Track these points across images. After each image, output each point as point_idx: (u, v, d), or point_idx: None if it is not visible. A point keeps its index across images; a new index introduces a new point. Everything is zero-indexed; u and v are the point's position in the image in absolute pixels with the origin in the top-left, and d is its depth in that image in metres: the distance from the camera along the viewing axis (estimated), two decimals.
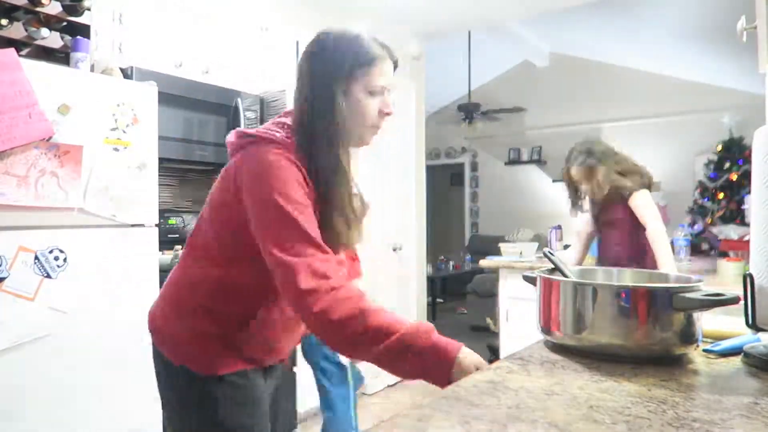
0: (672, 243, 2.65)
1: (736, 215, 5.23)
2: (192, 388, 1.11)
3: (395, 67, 1.12)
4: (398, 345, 0.90)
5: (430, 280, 4.58)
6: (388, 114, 1.11)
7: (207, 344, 1.11)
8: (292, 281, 0.94)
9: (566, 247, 3.91)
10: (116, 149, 2.00)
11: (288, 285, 0.95)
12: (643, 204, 2.48)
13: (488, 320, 5.02)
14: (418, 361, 0.90)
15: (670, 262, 2.31)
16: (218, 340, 1.11)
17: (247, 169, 1.03)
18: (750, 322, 0.86)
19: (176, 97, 2.49)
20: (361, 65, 1.05)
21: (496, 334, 3.52)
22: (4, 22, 1.96)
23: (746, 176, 5.25)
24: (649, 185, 2.56)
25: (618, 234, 2.61)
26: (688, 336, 0.90)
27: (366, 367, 3.65)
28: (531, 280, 1.10)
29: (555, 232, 3.98)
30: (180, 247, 2.45)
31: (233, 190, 1.05)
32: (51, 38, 2.10)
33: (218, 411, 1.09)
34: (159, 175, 2.17)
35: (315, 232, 0.99)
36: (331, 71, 1.05)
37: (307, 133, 1.05)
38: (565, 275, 1.08)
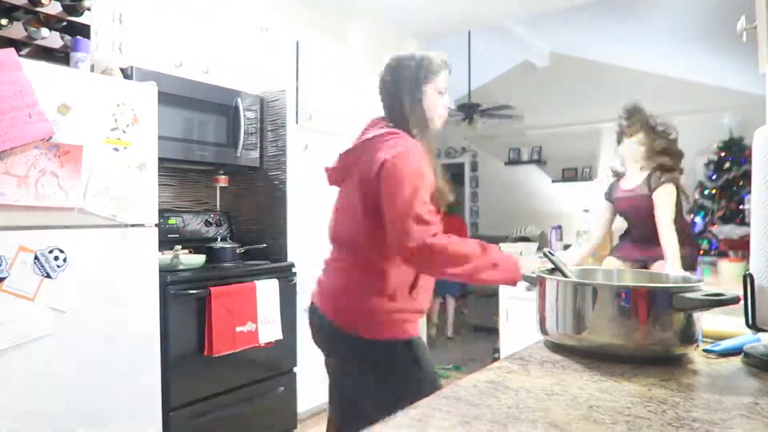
0: None
1: (736, 215, 5.23)
2: (396, 352, 1.37)
3: (449, 73, 1.51)
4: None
5: None
6: (449, 108, 1.53)
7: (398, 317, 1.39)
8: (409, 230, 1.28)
9: (566, 247, 3.92)
10: (116, 149, 2.01)
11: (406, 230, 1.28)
12: (664, 196, 2.46)
13: (494, 318, 4.97)
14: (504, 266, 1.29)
15: (677, 260, 2.32)
16: (401, 313, 1.39)
17: (398, 161, 1.32)
18: (750, 322, 0.86)
19: (176, 97, 2.48)
20: (432, 73, 1.46)
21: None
22: (4, 22, 1.96)
23: (746, 176, 5.25)
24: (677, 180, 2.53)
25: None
26: (688, 336, 0.90)
27: None
28: (531, 280, 1.10)
29: (555, 232, 3.99)
30: (179, 246, 2.44)
31: (375, 172, 1.33)
32: (51, 38, 2.10)
33: (421, 366, 1.39)
34: (159, 175, 2.17)
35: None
36: (413, 78, 1.45)
37: (407, 123, 1.43)
38: (565, 275, 1.08)
